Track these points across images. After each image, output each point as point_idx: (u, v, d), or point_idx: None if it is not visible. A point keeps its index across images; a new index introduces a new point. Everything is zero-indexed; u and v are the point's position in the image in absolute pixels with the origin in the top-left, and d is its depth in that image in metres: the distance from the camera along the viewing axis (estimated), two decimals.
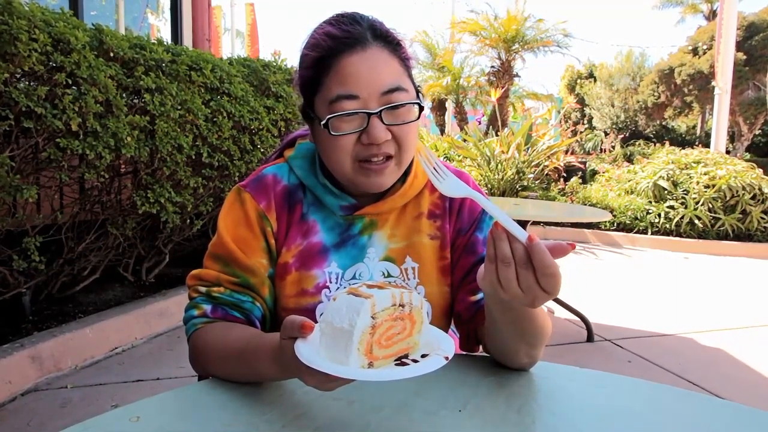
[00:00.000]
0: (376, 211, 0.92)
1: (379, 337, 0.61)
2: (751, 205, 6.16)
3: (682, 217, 6.26)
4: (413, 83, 0.88)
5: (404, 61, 0.86)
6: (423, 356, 0.65)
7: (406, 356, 0.65)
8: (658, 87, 19.09)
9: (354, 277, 0.91)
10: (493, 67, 12.42)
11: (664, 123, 21.46)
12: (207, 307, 0.86)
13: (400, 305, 0.63)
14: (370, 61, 0.81)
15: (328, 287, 0.90)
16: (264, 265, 0.89)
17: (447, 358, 0.63)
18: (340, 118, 0.81)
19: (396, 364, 0.63)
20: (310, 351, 0.60)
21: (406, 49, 0.87)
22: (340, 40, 0.82)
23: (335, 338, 0.60)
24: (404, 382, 0.75)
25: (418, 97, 0.87)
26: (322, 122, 0.82)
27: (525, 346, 0.79)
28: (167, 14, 6.57)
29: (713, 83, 8.89)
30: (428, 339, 0.67)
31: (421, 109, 0.86)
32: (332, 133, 0.82)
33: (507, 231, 0.65)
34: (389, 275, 0.92)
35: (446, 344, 0.66)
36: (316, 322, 0.89)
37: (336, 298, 0.62)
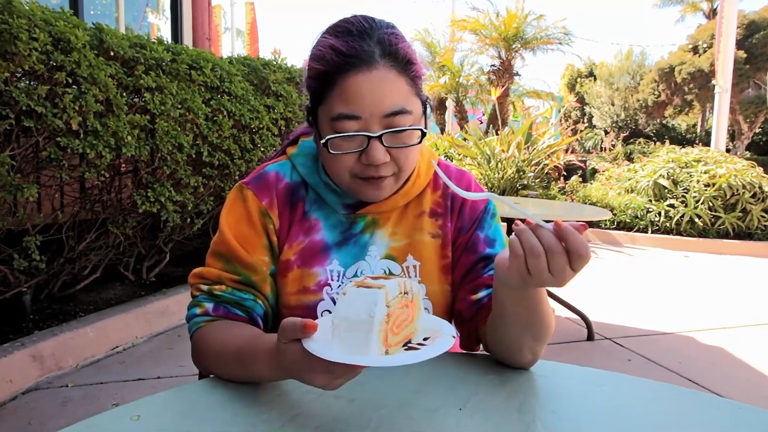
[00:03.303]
0: (378, 209, 0.92)
1: (392, 325, 0.62)
2: (751, 204, 6.16)
3: (683, 216, 6.26)
4: (421, 98, 0.85)
5: (413, 79, 0.82)
6: (425, 339, 0.67)
7: (410, 341, 0.67)
8: (658, 85, 19.08)
9: (355, 275, 0.91)
10: (493, 65, 12.42)
11: (664, 121, 21.46)
12: (209, 306, 0.86)
13: (405, 293, 0.65)
14: (375, 82, 0.78)
15: (329, 285, 0.90)
16: (266, 262, 0.90)
17: (454, 337, 0.66)
18: (341, 137, 0.81)
19: (405, 349, 0.65)
20: (321, 348, 0.60)
21: (418, 65, 0.84)
22: (346, 57, 0.78)
23: (352, 331, 0.61)
24: (404, 380, 0.76)
25: (425, 111, 0.86)
26: (322, 141, 0.81)
27: (530, 341, 0.80)
28: (167, 13, 6.57)
29: (713, 82, 8.88)
30: (425, 324, 0.70)
31: (424, 134, 0.84)
32: (331, 151, 0.81)
33: (530, 224, 0.67)
34: (391, 273, 0.92)
35: (445, 326, 0.69)
36: (316, 319, 0.89)
37: (346, 292, 0.63)
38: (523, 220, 0.69)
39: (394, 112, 0.80)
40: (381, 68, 0.79)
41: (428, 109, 0.88)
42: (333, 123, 0.80)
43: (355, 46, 0.79)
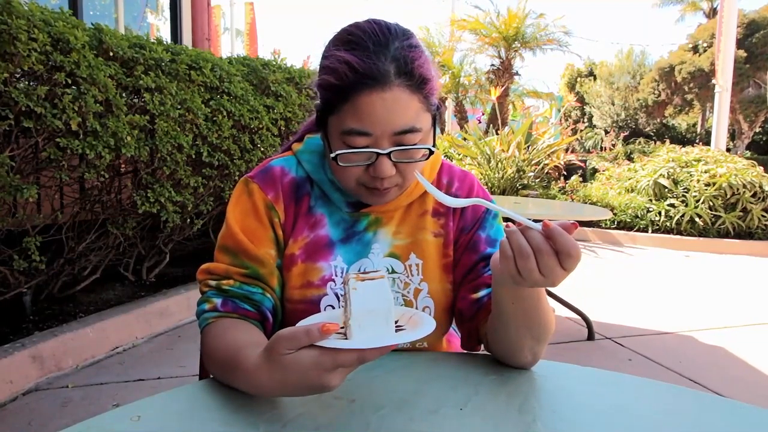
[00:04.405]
0: (382, 208, 0.93)
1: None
2: (751, 203, 6.16)
3: (683, 215, 6.26)
4: (431, 111, 0.85)
5: (426, 97, 0.82)
6: (396, 321, 0.72)
7: None
8: (658, 85, 19.08)
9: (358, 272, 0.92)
10: (493, 65, 12.42)
11: (664, 121, 21.46)
12: (217, 301, 0.86)
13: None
14: (389, 102, 0.78)
15: (333, 280, 0.91)
16: (272, 255, 0.90)
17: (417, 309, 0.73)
18: (350, 153, 0.81)
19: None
20: (347, 343, 0.63)
21: (433, 81, 0.83)
22: (361, 76, 0.77)
23: (372, 320, 0.64)
24: (404, 380, 0.76)
25: (434, 123, 0.86)
26: (332, 155, 0.82)
27: (530, 341, 0.80)
28: (167, 13, 6.57)
29: (713, 81, 8.88)
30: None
31: (431, 153, 0.85)
32: (341, 164, 0.82)
33: (520, 226, 0.68)
34: (393, 271, 0.93)
35: (402, 308, 0.78)
36: (316, 313, 0.89)
37: (356, 288, 0.65)
38: (514, 222, 0.69)
39: (405, 130, 0.80)
40: (395, 88, 0.78)
41: (437, 120, 0.87)
42: (343, 136, 0.81)
43: (371, 64, 0.78)
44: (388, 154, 0.81)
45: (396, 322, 0.71)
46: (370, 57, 0.78)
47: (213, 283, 0.87)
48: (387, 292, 0.65)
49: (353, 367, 0.64)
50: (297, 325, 0.66)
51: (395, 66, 0.78)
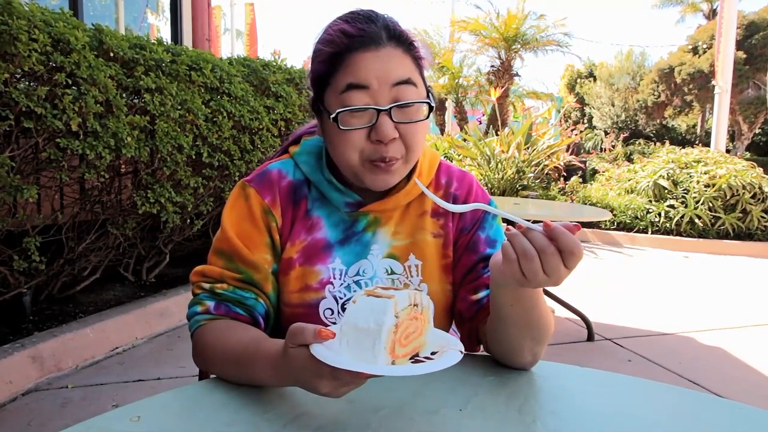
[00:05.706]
0: (381, 208, 0.92)
1: (400, 336, 0.62)
2: (751, 204, 6.16)
3: (683, 216, 6.26)
4: (425, 83, 0.88)
5: (417, 60, 0.86)
6: (433, 353, 0.67)
7: (417, 354, 0.66)
8: (658, 86, 19.09)
9: (357, 274, 0.91)
10: (492, 66, 12.42)
11: (664, 122, 21.46)
12: (210, 304, 0.86)
13: (414, 305, 0.65)
14: (383, 58, 0.81)
15: (331, 283, 0.90)
16: (268, 260, 0.90)
17: (462, 352, 0.65)
18: (350, 113, 0.81)
19: (411, 362, 0.64)
20: (328, 354, 0.60)
21: (419, 49, 0.87)
22: (355, 38, 0.82)
23: (360, 339, 0.61)
24: (404, 381, 0.76)
25: (428, 96, 0.87)
26: (332, 116, 0.82)
27: (530, 342, 0.80)
28: (167, 14, 6.57)
29: (713, 82, 8.89)
30: (433, 338, 0.69)
31: (431, 109, 0.86)
32: (341, 127, 0.81)
33: (521, 228, 0.68)
34: (392, 272, 0.92)
35: (454, 341, 0.69)
36: (319, 317, 0.89)
37: (356, 300, 0.63)
38: (513, 225, 0.69)
39: (402, 81, 0.82)
40: (388, 47, 0.82)
41: (431, 95, 0.89)
42: (342, 96, 0.82)
43: (363, 27, 0.82)
44: (389, 112, 0.81)
45: (433, 354, 0.67)
46: (361, 22, 0.83)
47: (206, 285, 0.87)
48: (385, 315, 0.60)
49: (332, 380, 0.62)
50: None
51: (386, 31, 0.83)
